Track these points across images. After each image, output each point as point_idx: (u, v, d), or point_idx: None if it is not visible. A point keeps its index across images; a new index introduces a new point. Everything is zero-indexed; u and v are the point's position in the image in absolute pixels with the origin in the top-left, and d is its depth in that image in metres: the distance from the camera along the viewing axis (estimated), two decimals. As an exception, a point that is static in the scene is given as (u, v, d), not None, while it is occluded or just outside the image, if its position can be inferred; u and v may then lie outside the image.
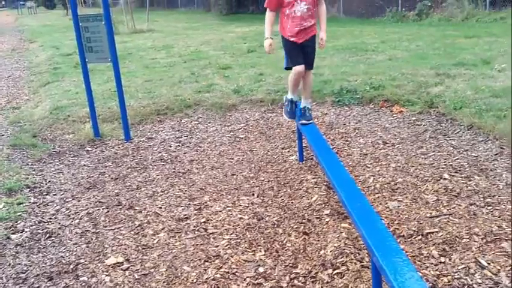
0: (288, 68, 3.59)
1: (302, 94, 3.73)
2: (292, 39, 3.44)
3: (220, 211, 3.15)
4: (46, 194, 3.60)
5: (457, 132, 4.18)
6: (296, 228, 2.88)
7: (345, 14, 16.83)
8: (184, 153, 4.34)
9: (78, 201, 3.46)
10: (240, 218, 3.03)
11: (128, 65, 8.81)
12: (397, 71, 6.24)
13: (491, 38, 8.42)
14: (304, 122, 3.66)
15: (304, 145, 3.96)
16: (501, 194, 3.03)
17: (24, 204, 3.40)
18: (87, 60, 4.64)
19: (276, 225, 2.93)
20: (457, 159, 3.64)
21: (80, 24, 4.51)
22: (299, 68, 3.47)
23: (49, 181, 3.85)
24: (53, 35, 16.24)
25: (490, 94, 4.76)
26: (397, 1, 14.75)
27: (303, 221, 2.96)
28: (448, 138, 4.08)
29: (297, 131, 3.96)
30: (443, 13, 12.85)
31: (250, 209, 3.15)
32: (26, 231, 3.04)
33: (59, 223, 3.14)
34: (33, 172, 4.02)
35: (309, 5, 3.38)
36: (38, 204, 3.43)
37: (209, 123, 5.18)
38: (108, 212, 3.26)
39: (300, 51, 3.49)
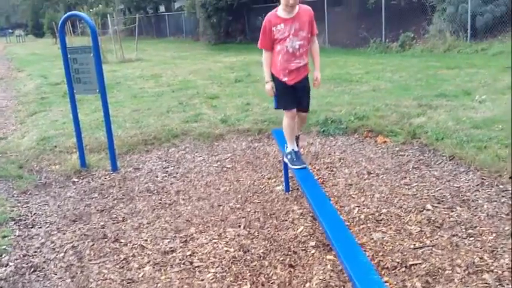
0: (278, 108, 3.46)
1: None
2: (283, 79, 3.28)
3: (206, 243, 3.16)
4: (31, 227, 3.58)
5: (439, 163, 4.26)
6: (282, 260, 2.90)
7: (330, 45, 17.17)
8: (171, 183, 4.36)
9: (64, 234, 3.44)
10: (226, 251, 3.04)
11: (116, 94, 8.87)
12: (380, 101, 6.37)
13: (472, 69, 8.65)
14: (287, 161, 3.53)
15: (290, 175, 4.01)
16: (482, 225, 3.09)
17: (9, 238, 3.37)
18: (75, 91, 4.68)
19: (262, 258, 2.94)
20: (440, 189, 3.71)
21: (69, 55, 4.56)
22: (290, 114, 3.32)
23: (34, 213, 3.83)
24: (41, 64, 16.30)
25: (470, 125, 4.88)
26: (381, 32, 15.12)
27: (289, 253, 2.98)
28: (430, 169, 4.16)
29: (282, 161, 4.01)
30: (426, 44, 13.19)
31: (236, 241, 3.17)
32: (11, 265, 3.01)
33: (44, 257, 3.12)
34: (19, 204, 4.00)
35: (302, 41, 3.21)
36: (23, 237, 3.41)
37: (196, 153, 5.21)
38: (93, 245, 3.24)
39: (292, 94, 3.32)
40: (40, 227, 3.57)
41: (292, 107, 3.33)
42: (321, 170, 4.41)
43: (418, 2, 14.47)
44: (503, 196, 3.49)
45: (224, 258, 2.96)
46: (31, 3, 49.47)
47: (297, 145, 3.57)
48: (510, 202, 3.38)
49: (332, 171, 4.38)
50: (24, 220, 3.70)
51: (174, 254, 3.05)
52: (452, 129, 4.84)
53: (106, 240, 3.30)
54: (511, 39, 11.08)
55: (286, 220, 3.44)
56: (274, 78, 3.34)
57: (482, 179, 3.81)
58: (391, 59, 11.94)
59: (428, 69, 9.25)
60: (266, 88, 3.38)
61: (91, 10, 24.67)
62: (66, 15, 4.88)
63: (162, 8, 37.92)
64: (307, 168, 3.47)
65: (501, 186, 3.63)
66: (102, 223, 3.58)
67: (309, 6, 3.32)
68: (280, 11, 3.23)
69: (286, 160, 3.56)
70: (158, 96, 8.35)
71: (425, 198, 3.58)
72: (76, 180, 4.57)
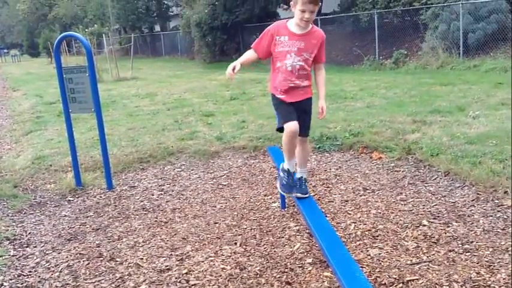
0: (280, 130, 3.09)
1: (297, 161, 3.28)
2: (280, 96, 3.06)
3: (202, 261, 3.14)
4: (26, 246, 3.55)
5: (435, 179, 4.28)
6: (279, 277, 2.88)
7: (325, 62, 17.29)
8: (167, 201, 4.34)
9: (59, 253, 3.41)
10: (223, 268, 3.03)
11: (112, 113, 8.88)
12: (375, 118, 6.41)
13: (466, 86, 8.74)
14: (299, 195, 3.19)
15: (286, 192, 4.01)
16: (479, 240, 3.09)
17: (3, 257, 3.34)
18: (70, 110, 4.69)
19: (258, 275, 2.93)
20: (435, 205, 3.72)
21: (64, 75, 4.59)
22: (291, 126, 2.97)
23: (29, 233, 3.80)
24: (36, 83, 16.32)
25: (465, 141, 4.91)
26: (375, 50, 15.29)
27: (286, 270, 2.97)
28: (426, 185, 4.18)
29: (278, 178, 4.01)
30: (419, 61, 13.34)
31: (232, 259, 3.15)
32: (5, 286, 2.97)
33: (39, 276, 3.09)
34: (14, 224, 3.97)
35: (303, 63, 2.98)
36: (17, 256, 3.38)
37: (192, 170, 5.21)
38: (88, 264, 3.22)
39: (292, 109, 3.04)
40: (35, 247, 3.54)
41: (294, 119, 3.00)
42: (317, 187, 4.42)
43: (410, 20, 14.68)
44: (498, 211, 3.50)
45: (220, 276, 2.94)
46: (27, 24, 49.80)
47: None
48: (510, 212, 3.39)
49: (328, 187, 4.39)
50: (19, 239, 3.67)
51: (170, 273, 3.02)
52: (446, 145, 4.87)
53: (101, 259, 3.28)
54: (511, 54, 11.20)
55: (283, 237, 3.43)
56: (273, 97, 3.14)
57: (478, 194, 3.83)
58: (385, 76, 12.05)
59: (422, 85, 9.34)
60: (228, 67, 2.98)
61: (86, 30, 24.84)
62: (61, 35, 4.92)
63: (157, 28, 38.30)
64: (297, 197, 3.19)
65: (496, 201, 3.64)
66: (97, 242, 3.56)
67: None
68: (291, 23, 3.03)
69: (278, 179, 3.35)
70: (154, 115, 8.37)
71: (422, 214, 3.58)
72: (71, 199, 4.55)
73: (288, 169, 3.24)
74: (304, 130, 3.11)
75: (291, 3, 2.96)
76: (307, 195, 3.19)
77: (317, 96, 3.12)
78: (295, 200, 3.26)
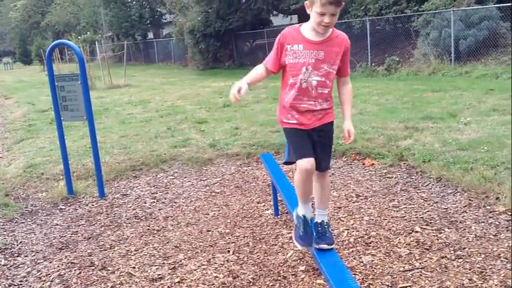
0: (289, 163, 2.65)
1: (315, 202, 2.67)
2: (292, 121, 2.47)
3: (195, 270, 3.12)
4: (17, 256, 3.52)
5: (427, 185, 4.29)
6: (271, 285, 2.87)
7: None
8: (159, 209, 4.32)
9: (50, 262, 3.38)
10: (215, 277, 3.01)
11: (104, 120, 8.86)
12: (367, 124, 6.43)
13: (457, 92, 8.80)
14: (324, 246, 2.49)
15: (279, 199, 4.01)
16: (471, 247, 3.10)
17: (-7, 267, 3.31)
18: (62, 118, 4.67)
19: (251, 283, 2.91)
20: (428, 211, 3.73)
21: (56, 83, 4.57)
22: (306, 164, 2.40)
23: (20, 242, 3.77)
24: (28, 91, 16.26)
25: (456, 147, 4.93)
26: (367, 57, 15.37)
27: (279, 278, 2.96)
28: (418, 191, 4.19)
29: (271, 185, 4.01)
30: (411, 68, 13.41)
31: (225, 267, 3.14)
32: (-6, 296, 2.95)
33: (30, 286, 3.06)
34: (5, 233, 3.93)
35: (322, 78, 2.38)
36: (8, 266, 3.34)
37: (185, 178, 5.20)
38: (80, 273, 3.19)
39: (308, 139, 2.46)
40: (26, 256, 3.51)
41: (309, 154, 2.43)
42: (310, 194, 4.41)
43: (402, 27, 14.78)
44: (490, 217, 3.51)
45: (213, 284, 2.92)
46: (19, 31, 49.67)
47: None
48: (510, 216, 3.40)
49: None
50: (10, 249, 3.63)
51: (162, 281, 3.00)
52: (438, 151, 4.89)
53: (93, 268, 3.25)
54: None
55: (276, 244, 3.43)
56: (283, 123, 2.54)
57: (470, 200, 3.84)
58: (377, 82, 12.11)
59: (414, 92, 9.39)
60: (232, 88, 2.45)
61: (79, 37, 24.82)
62: (53, 43, 4.91)
63: (150, 35, 38.31)
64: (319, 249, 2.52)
65: (488, 207, 3.66)
66: (89, 251, 3.53)
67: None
68: (306, 28, 2.42)
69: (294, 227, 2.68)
70: (146, 122, 8.35)
71: (414, 220, 3.59)
72: (63, 207, 4.52)
73: (304, 215, 2.62)
74: (323, 164, 2.51)
75: (306, 3, 2.38)
76: (333, 246, 2.50)
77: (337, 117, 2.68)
78: (288, 207, 3.25)
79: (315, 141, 2.47)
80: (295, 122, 2.48)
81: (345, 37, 2.44)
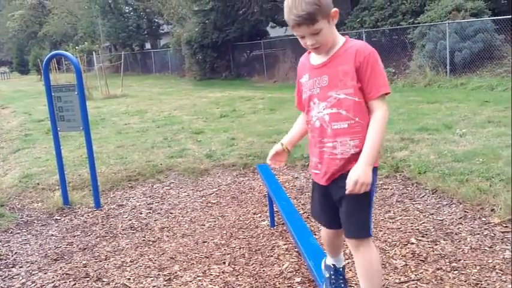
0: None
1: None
2: (313, 171, 2.09)
3: (190, 281, 3.11)
4: (12, 267, 3.50)
5: (422, 196, 4.30)
6: (267, 297, 2.86)
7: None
8: (155, 220, 4.31)
9: (45, 273, 3.36)
10: (211, 288, 3.00)
11: (101, 130, 8.86)
12: (364, 135, 6.44)
13: (453, 104, 8.84)
14: None
15: (275, 210, 4.01)
16: (466, 258, 3.10)
17: (-13, 278, 3.29)
18: (58, 128, 4.68)
19: (246, 295, 2.90)
20: (423, 223, 3.73)
21: (53, 93, 4.58)
22: (322, 231, 2.24)
23: (15, 253, 3.75)
24: (25, 101, 16.26)
25: (452, 158, 4.95)
26: (363, 68, 15.42)
27: (274, 289, 2.95)
28: (414, 202, 4.20)
29: (268, 196, 4.02)
30: (407, 79, 13.49)
31: (221, 278, 3.13)
32: (-12, 308, 2.93)
33: (23, 297, 3.04)
34: (0, 243, 3.92)
35: (334, 109, 1.91)
36: (3, 277, 3.32)
37: (181, 188, 5.19)
38: (75, 284, 3.17)
39: (321, 198, 2.08)
40: (21, 267, 3.49)
41: (320, 219, 2.20)
42: (306, 205, 4.41)
43: (398, 39, 14.89)
44: (485, 229, 3.52)
45: (209, 296, 2.91)
46: (17, 41, 49.75)
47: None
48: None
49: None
50: (5, 260, 3.62)
51: (157, 293, 2.99)
52: (434, 163, 4.91)
53: (88, 279, 3.24)
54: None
55: (272, 256, 3.42)
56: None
57: (465, 211, 3.85)
58: (373, 93, 12.13)
59: (409, 103, 9.43)
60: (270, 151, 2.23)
61: (77, 47, 24.87)
62: (50, 54, 4.93)
63: (148, 45, 38.42)
64: None
65: (483, 219, 3.67)
66: (84, 262, 3.52)
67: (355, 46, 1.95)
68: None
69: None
70: (143, 132, 8.36)
71: (410, 232, 3.59)
72: (58, 218, 4.50)
73: (334, 264, 2.29)
74: (346, 231, 2.01)
75: None
76: None
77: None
78: (284, 218, 3.25)
79: (334, 197, 2.00)
80: (315, 172, 2.06)
81: (359, 47, 1.92)
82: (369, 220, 1.97)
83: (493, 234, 3.41)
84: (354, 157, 1.89)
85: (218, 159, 5.98)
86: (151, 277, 3.21)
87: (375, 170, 1.90)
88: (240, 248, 3.59)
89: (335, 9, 1.88)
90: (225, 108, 10.84)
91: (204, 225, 4.12)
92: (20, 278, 3.32)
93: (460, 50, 12.35)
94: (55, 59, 18.77)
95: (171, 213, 4.46)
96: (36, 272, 3.40)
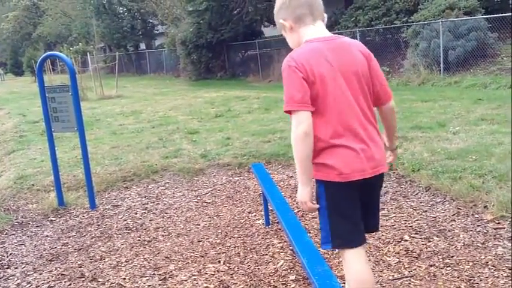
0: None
1: None
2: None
3: (185, 280, 3.12)
4: (7, 268, 3.50)
5: (416, 194, 4.33)
6: (262, 295, 2.88)
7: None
8: (150, 220, 4.32)
9: (40, 274, 3.37)
10: (206, 287, 3.01)
11: (96, 131, 8.85)
12: (358, 134, 6.46)
13: (446, 102, 8.89)
14: None
15: (270, 209, 4.02)
16: (459, 255, 3.13)
17: (-18, 279, 3.29)
18: (53, 129, 4.67)
19: (241, 293, 2.92)
20: (417, 220, 3.76)
21: (47, 94, 4.58)
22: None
23: (10, 253, 3.75)
24: (19, 102, 16.20)
25: (445, 156, 4.99)
26: (358, 67, 15.47)
27: (269, 287, 2.96)
28: (407, 200, 4.23)
29: (262, 195, 4.03)
30: (401, 78, 13.55)
31: (216, 277, 3.14)
32: (-17, 309, 2.93)
33: (18, 298, 3.04)
34: (-6, 245, 3.92)
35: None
36: (-3, 278, 3.33)
37: (176, 188, 5.20)
38: (70, 284, 3.18)
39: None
40: (16, 268, 3.49)
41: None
42: (301, 203, 4.43)
43: (392, 38, 14.95)
44: (478, 225, 3.55)
45: (204, 294, 2.93)
46: (11, 42, 49.56)
47: None
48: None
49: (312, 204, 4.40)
50: (0, 261, 3.61)
51: (152, 292, 3.01)
52: (427, 160, 4.94)
53: (83, 279, 3.24)
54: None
55: (267, 254, 3.44)
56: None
57: (458, 208, 3.88)
58: (368, 92, 12.18)
59: (403, 102, 9.47)
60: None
61: (71, 48, 24.81)
62: (44, 55, 4.92)
63: (142, 46, 38.37)
64: None
65: (476, 216, 3.70)
66: (79, 262, 3.52)
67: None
68: None
69: None
70: (138, 133, 8.35)
71: (403, 229, 3.62)
72: (53, 218, 4.50)
73: None
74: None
75: None
76: None
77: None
78: (278, 216, 3.27)
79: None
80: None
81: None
82: (331, 233, 1.97)
83: (485, 231, 3.44)
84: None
85: (213, 159, 5.99)
86: (146, 276, 3.22)
87: (319, 182, 1.95)
88: (235, 247, 3.60)
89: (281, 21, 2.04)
90: (220, 108, 10.85)
91: (199, 224, 4.13)
92: (15, 278, 3.32)
93: (453, 48, 12.42)
94: (49, 60, 18.73)
95: (166, 213, 4.46)
96: (32, 272, 3.40)
